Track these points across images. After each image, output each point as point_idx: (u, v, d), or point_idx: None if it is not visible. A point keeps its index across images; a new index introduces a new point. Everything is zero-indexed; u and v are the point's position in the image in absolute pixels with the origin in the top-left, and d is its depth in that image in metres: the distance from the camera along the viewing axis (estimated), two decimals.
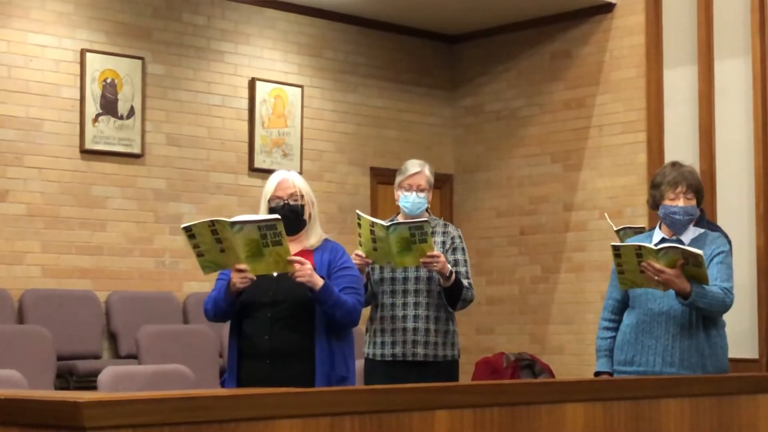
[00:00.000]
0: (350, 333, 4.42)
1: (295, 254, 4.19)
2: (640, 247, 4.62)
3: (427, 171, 5.23)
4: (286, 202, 4.36)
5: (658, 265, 4.57)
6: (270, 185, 4.42)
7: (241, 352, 4.33)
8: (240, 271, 4.14)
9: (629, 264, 4.64)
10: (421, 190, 5.18)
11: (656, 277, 4.59)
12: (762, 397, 4.00)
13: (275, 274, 4.24)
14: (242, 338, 4.34)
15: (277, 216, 4.08)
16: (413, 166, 5.24)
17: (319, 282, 4.19)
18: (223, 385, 4.44)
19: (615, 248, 4.68)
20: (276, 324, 4.27)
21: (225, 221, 4.05)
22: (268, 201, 4.39)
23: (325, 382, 4.21)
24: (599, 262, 9.31)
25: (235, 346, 4.35)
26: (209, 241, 4.07)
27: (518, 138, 10.14)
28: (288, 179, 4.41)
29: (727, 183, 8.58)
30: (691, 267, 4.58)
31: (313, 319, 4.27)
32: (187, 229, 4.08)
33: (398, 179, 5.24)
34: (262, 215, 4.18)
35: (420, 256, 4.91)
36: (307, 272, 4.16)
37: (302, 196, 4.38)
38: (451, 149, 10.58)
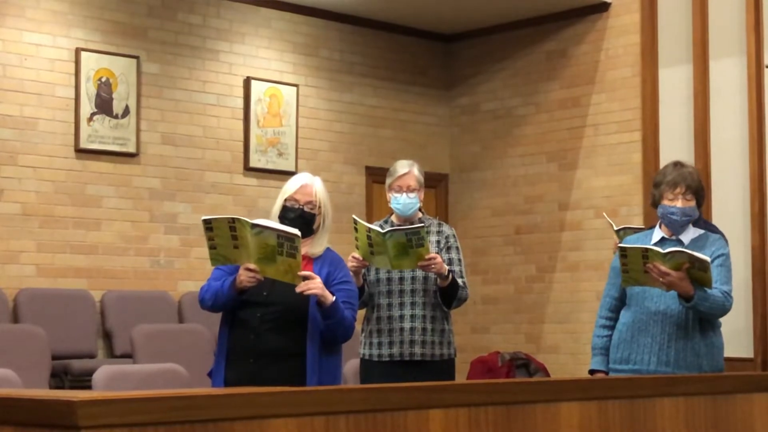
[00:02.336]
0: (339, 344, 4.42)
1: None
2: (647, 249, 4.61)
3: (415, 171, 5.22)
4: (301, 207, 4.35)
5: (663, 268, 4.57)
6: (292, 185, 4.41)
7: (230, 347, 4.33)
8: (249, 270, 4.14)
9: (634, 264, 4.64)
10: (412, 191, 5.18)
11: (661, 279, 4.60)
12: (757, 396, 4.00)
13: None
14: (231, 333, 4.33)
15: (297, 232, 4.07)
16: (401, 167, 5.23)
17: (330, 297, 4.19)
18: (210, 376, 4.42)
19: (622, 249, 4.68)
20: (264, 325, 4.25)
21: (246, 221, 4.07)
22: (285, 200, 4.38)
23: None
24: (594, 261, 9.32)
25: (225, 340, 4.34)
26: (225, 236, 4.10)
27: (514, 137, 10.14)
28: (311, 186, 4.41)
29: (722, 182, 8.59)
30: (697, 271, 4.59)
31: (305, 325, 4.25)
32: (207, 222, 4.13)
33: (388, 181, 5.24)
34: (284, 227, 4.14)
35: (417, 259, 4.91)
36: (318, 286, 4.15)
37: (319, 206, 4.38)
38: (446, 148, 10.58)
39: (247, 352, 4.26)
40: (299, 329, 4.25)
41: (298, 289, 4.14)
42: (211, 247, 4.16)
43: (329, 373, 4.29)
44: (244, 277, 4.16)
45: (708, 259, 4.59)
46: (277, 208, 4.40)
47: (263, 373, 4.20)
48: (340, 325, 4.23)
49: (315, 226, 4.38)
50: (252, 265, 4.13)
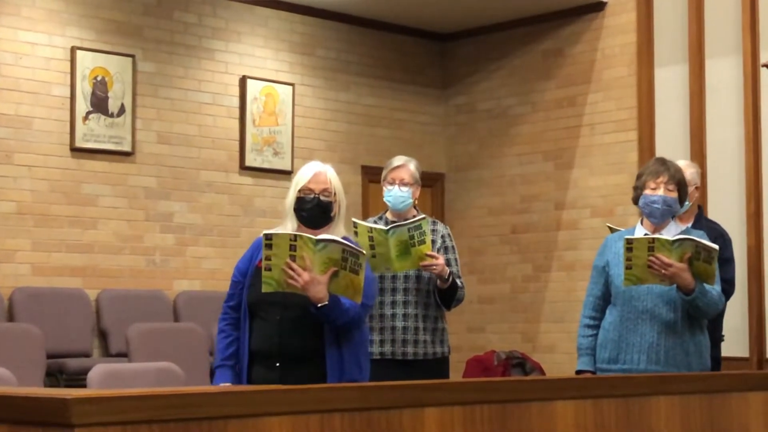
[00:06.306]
0: (363, 332, 4.30)
1: None
2: (653, 240, 4.58)
3: (411, 166, 5.20)
4: (317, 195, 4.27)
5: (666, 259, 4.54)
6: (305, 175, 4.33)
7: (251, 353, 4.23)
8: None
9: (639, 259, 4.58)
10: (405, 185, 5.15)
11: (663, 271, 4.56)
12: (752, 394, 4.00)
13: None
14: (252, 339, 4.23)
15: (363, 251, 4.04)
16: (397, 160, 5.23)
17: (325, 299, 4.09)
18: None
19: (628, 242, 4.62)
20: (286, 326, 4.16)
21: (309, 237, 4.00)
22: (299, 190, 4.29)
23: None
24: (590, 260, 9.17)
25: (246, 346, 4.24)
26: (284, 254, 3.99)
27: (510, 136, 10.14)
28: (324, 173, 4.33)
29: (718, 181, 8.59)
30: (701, 263, 4.55)
31: (323, 322, 4.17)
32: (268, 237, 4.01)
33: (383, 174, 5.24)
34: (351, 243, 4.08)
35: (419, 259, 4.89)
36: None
37: (334, 194, 4.31)
38: (442, 148, 10.58)
39: (272, 355, 4.16)
40: (319, 325, 4.15)
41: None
42: (266, 269, 4.03)
43: (352, 365, 4.17)
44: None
45: (716, 247, 4.55)
46: (291, 200, 4.29)
47: (288, 374, 4.11)
48: (347, 320, 4.15)
49: (332, 214, 4.30)
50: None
